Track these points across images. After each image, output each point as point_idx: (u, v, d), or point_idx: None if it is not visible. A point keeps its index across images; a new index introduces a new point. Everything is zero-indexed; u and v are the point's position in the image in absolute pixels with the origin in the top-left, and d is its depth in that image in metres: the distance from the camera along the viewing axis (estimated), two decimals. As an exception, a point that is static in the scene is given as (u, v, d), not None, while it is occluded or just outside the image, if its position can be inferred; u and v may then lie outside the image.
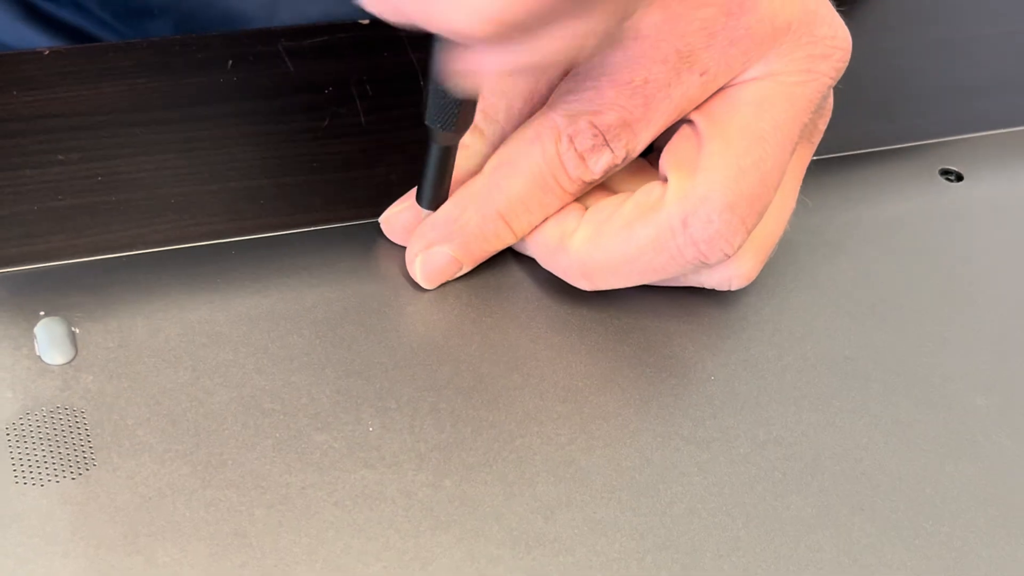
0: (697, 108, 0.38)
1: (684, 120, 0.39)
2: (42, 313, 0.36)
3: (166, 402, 0.35)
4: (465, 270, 0.40)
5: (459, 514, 0.34)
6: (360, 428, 0.36)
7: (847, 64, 0.39)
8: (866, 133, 0.48)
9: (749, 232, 0.37)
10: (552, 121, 0.38)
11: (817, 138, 0.41)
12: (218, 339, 0.37)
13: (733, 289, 0.40)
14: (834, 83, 0.39)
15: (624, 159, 0.38)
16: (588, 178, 0.38)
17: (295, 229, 0.41)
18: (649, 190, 0.38)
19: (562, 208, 0.39)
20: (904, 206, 0.45)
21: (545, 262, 0.40)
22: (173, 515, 0.33)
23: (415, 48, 0.47)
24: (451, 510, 0.34)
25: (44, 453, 0.34)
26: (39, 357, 0.36)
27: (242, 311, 0.38)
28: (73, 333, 0.36)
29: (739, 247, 0.37)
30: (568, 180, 0.38)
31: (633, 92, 0.37)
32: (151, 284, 0.38)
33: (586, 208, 0.39)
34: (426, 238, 0.39)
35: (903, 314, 0.41)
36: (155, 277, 0.38)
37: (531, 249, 0.40)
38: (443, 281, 0.40)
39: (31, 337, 0.36)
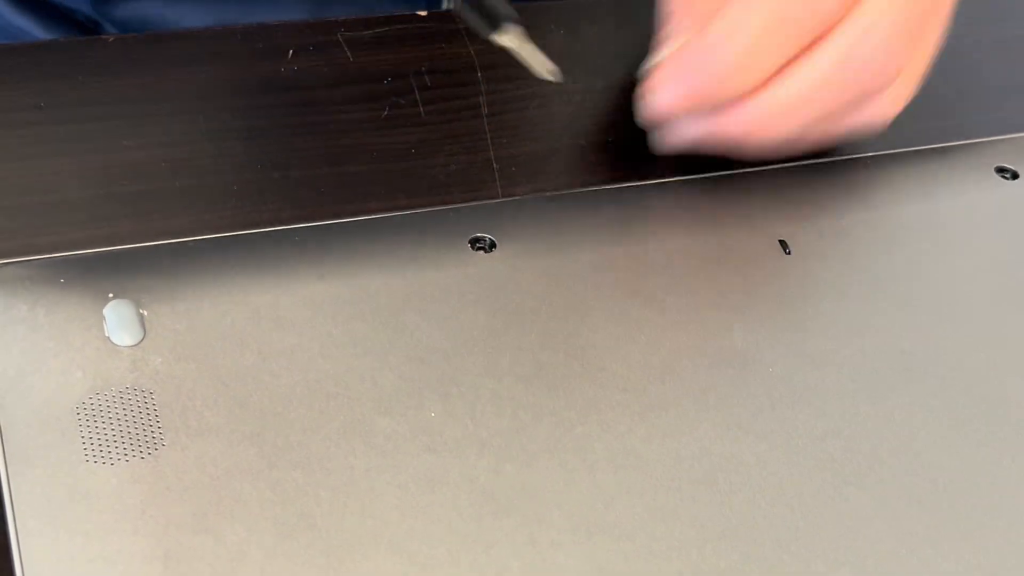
0: None
1: None
2: (111, 295, 0.37)
3: (233, 384, 0.36)
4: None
5: (520, 499, 0.35)
6: (422, 413, 0.36)
7: None
8: (923, 130, 0.48)
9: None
10: None
11: None
12: (283, 323, 0.37)
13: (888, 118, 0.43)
14: None
15: None
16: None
17: (356, 217, 0.41)
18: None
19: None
20: (960, 202, 0.45)
21: (735, 119, 0.42)
22: (240, 496, 0.34)
23: (472, 40, 0.48)
24: (512, 495, 0.35)
25: (114, 433, 0.34)
26: (108, 338, 0.36)
27: (306, 296, 0.38)
28: (141, 315, 0.37)
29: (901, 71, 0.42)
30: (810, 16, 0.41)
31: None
32: (216, 269, 0.39)
33: None
34: (665, 77, 0.42)
35: (959, 310, 0.42)
36: (220, 262, 0.39)
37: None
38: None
39: (100, 319, 0.36)
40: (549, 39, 0.48)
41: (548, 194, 0.43)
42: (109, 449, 0.34)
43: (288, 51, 0.46)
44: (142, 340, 0.36)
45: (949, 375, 0.40)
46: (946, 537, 0.36)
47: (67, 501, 0.33)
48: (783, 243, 0.42)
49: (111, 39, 0.46)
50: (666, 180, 0.44)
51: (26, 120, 0.42)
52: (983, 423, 0.38)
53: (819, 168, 0.45)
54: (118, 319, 0.36)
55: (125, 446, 0.34)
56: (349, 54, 0.47)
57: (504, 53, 0.42)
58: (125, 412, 0.35)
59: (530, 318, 0.39)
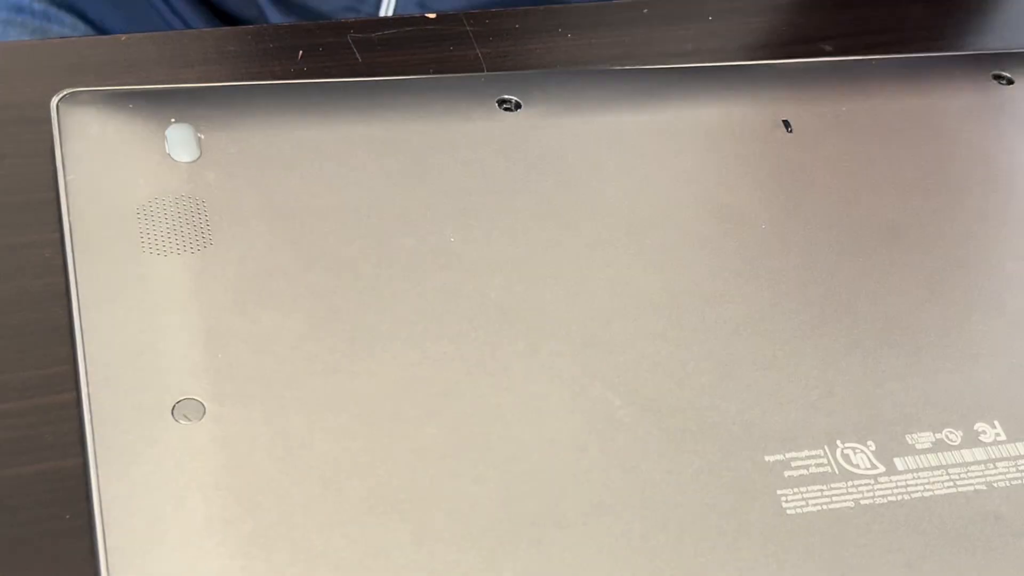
0: None
1: None
2: (173, 120, 0.41)
3: (276, 200, 0.40)
4: None
5: (526, 314, 0.39)
6: (443, 238, 0.40)
7: None
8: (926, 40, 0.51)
9: None
10: None
11: None
12: (324, 155, 0.42)
13: None
14: None
15: None
16: None
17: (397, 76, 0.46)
18: None
19: None
20: (955, 101, 0.49)
21: None
22: (277, 290, 0.38)
23: (480, 43, 0.50)
24: (519, 310, 0.39)
25: (169, 231, 0.39)
26: (169, 155, 0.41)
27: (346, 134, 0.43)
28: (199, 138, 0.41)
29: None
30: None
31: None
32: (269, 107, 0.43)
33: None
34: None
35: (944, 191, 0.45)
36: (273, 102, 0.43)
37: None
38: None
39: (162, 139, 0.41)
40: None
41: (574, 69, 0.47)
42: (164, 244, 0.38)
43: (298, 52, 0.48)
44: (198, 158, 0.41)
45: (929, 242, 0.43)
46: (913, 372, 0.39)
47: (124, 284, 0.37)
48: (786, 123, 0.46)
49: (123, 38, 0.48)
50: (684, 66, 0.48)
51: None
52: (956, 284, 0.42)
53: (826, 65, 0.49)
54: (178, 139, 0.41)
55: (178, 243, 0.38)
56: (358, 55, 0.49)
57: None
58: (180, 215, 0.39)
59: (547, 168, 0.43)
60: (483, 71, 0.49)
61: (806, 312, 0.40)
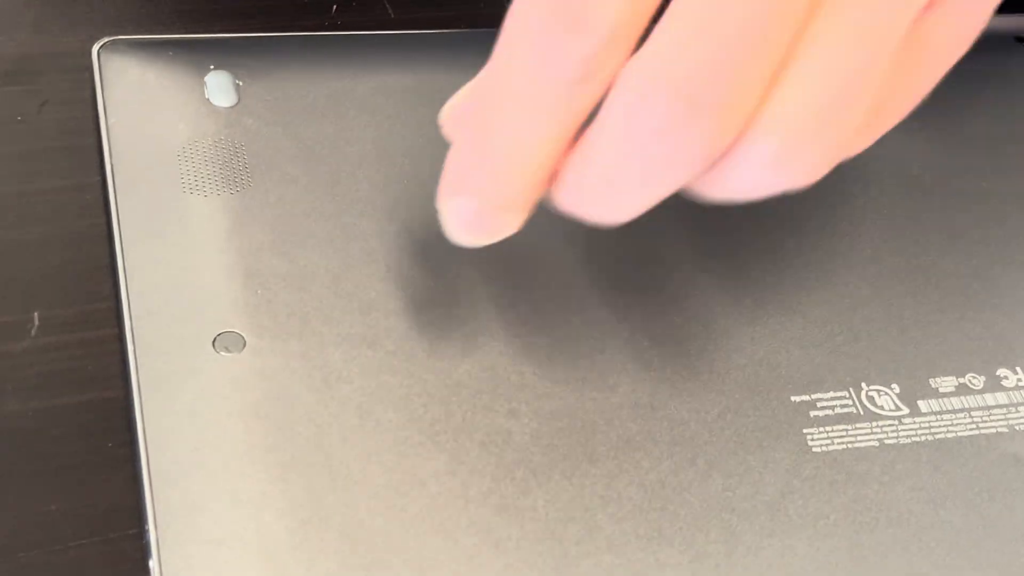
0: None
1: None
2: (212, 67, 0.42)
3: (312, 146, 0.41)
4: (511, 220, 0.33)
5: (559, 257, 0.40)
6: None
7: None
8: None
9: (725, 127, 0.28)
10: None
11: None
12: (359, 104, 0.43)
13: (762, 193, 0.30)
14: None
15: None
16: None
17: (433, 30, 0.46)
18: None
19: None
20: (980, 62, 0.49)
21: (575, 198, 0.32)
22: (313, 231, 0.39)
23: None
24: (552, 254, 0.40)
25: (208, 173, 0.40)
26: (208, 100, 0.41)
27: (381, 84, 0.43)
28: (238, 85, 0.42)
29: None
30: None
31: None
32: (307, 56, 0.44)
33: None
34: (448, 187, 0.33)
35: (963, 138, 0.46)
36: (311, 52, 0.44)
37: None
38: (488, 238, 0.33)
39: (202, 84, 0.42)
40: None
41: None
42: (204, 184, 0.39)
43: (332, 6, 0.49)
44: (237, 104, 0.42)
45: (952, 194, 0.44)
46: (936, 320, 0.40)
47: (165, 223, 0.38)
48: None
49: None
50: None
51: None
52: (979, 232, 0.43)
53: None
54: (217, 85, 0.42)
55: (217, 184, 0.39)
56: (391, 10, 0.50)
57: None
58: (219, 158, 0.40)
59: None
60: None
61: (831, 261, 0.41)
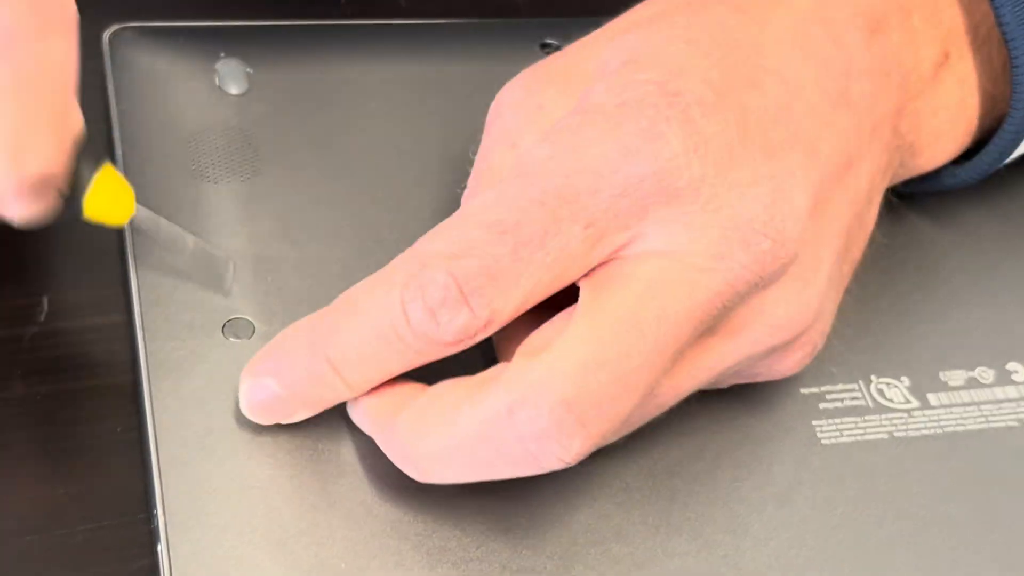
0: (587, 276, 0.31)
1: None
2: (222, 54, 0.42)
3: (322, 134, 0.41)
4: (302, 415, 0.33)
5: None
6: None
7: (785, 261, 0.31)
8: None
9: (596, 442, 0.30)
10: (406, 259, 0.31)
11: (848, 270, 0.35)
12: (369, 93, 0.43)
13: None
14: (759, 280, 0.31)
15: (487, 324, 0.30)
16: (438, 338, 0.30)
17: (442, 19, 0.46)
18: (488, 372, 0.31)
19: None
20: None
21: (375, 437, 0.33)
22: (320, 219, 0.39)
23: None
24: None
25: (219, 159, 0.39)
26: (219, 87, 0.41)
27: (391, 74, 0.43)
28: (248, 72, 0.42)
29: (580, 455, 0.30)
30: (412, 337, 0.31)
31: (502, 235, 0.30)
32: (316, 45, 0.44)
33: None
34: (255, 366, 0.33)
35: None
36: (320, 41, 0.44)
37: (357, 418, 0.33)
38: (277, 421, 0.33)
39: (212, 72, 0.42)
40: None
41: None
42: (214, 171, 0.39)
43: None
44: (247, 92, 0.42)
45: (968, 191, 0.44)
46: (946, 314, 0.40)
47: (175, 209, 0.38)
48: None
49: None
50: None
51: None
52: (988, 228, 0.43)
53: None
54: (228, 72, 0.42)
55: (228, 170, 0.39)
56: (401, 0, 0.49)
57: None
58: (229, 145, 0.40)
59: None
60: (524, 16, 0.49)
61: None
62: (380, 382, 0.32)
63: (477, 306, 0.30)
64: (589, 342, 0.30)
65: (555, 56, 0.37)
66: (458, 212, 0.32)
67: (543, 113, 0.34)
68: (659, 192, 0.30)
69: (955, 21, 0.37)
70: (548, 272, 0.30)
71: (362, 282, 0.32)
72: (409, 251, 0.31)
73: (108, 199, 0.33)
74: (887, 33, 0.35)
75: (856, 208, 0.34)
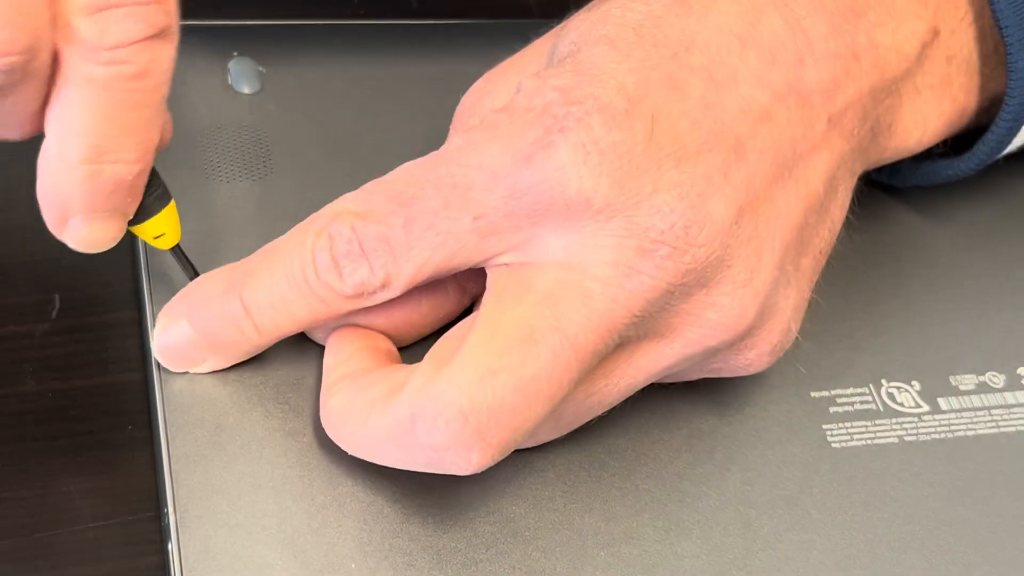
0: (491, 281, 0.32)
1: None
2: (235, 53, 0.42)
3: (334, 133, 0.41)
4: (212, 364, 0.34)
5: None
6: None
7: (693, 264, 0.31)
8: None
9: (499, 451, 0.30)
10: (323, 213, 0.33)
11: (811, 263, 0.35)
12: (381, 92, 0.43)
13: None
14: (671, 287, 0.31)
15: (383, 286, 0.32)
16: (339, 288, 0.32)
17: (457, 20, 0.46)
18: (408, 373, 0.32)
19: (321, 321, 0.34)
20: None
21: (320, 411, 0.34)
22: (334, 219, 0.39)
23: None
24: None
25: (231, 159, 0.40)
26: (231, 87, 0.41)
27: (403, 73, 0.43)
28: (260, 72, 0.42)
29: (481, 465, 0.30)
30: (318, 282, 0.32)
31: (399, 207, 0.32)
32: (329, 45, 0.44)
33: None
34: (171, 308, 0.34)
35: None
36: (332, 41, 0.44)
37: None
38: (189, 368, 0.34)
39: (225, 71, 0.42)
40: None
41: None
42: (226, 171, 0.39)
43: None
44: (259, 91, 0.42)
45: (969, 189, 0.44)
46: (956, 318, 0.40)
47: (188, 207, 0.38)
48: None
49: None
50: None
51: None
52: (997, 233, 0.43)
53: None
54: (240, 71, 0.42)
55: (240, 170, 0.39)
56: (413, 0, 0.49)
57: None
58: (241, 144, 0.40)
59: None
60: (536, 17, 0.49)
61: (852, 257, 0.41)
62: (290, 332, 0.33)
63: (375, 265, 0.32)
64: (484, 353, 0.30)
65: (511, 57, 0.38)
66: (379, 178, 0.33)
67: (483, 108, 0.36)
68: (549, 201, 0.31)
69: None
70: (437, 251, 0.32)
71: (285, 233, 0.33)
72: (328, 205, 0.33)
73: (163, 228, 0.33)
74: (863, 13, 0.35)
75: (809, 201, 0.33)
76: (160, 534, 0.33)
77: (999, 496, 0.36)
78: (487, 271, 0.32)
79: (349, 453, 0.33)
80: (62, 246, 0.35)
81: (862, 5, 0.35)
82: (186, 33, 0.42)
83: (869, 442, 0.36)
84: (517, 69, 0.37)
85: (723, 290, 0.32)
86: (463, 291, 0.35)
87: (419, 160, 0.33)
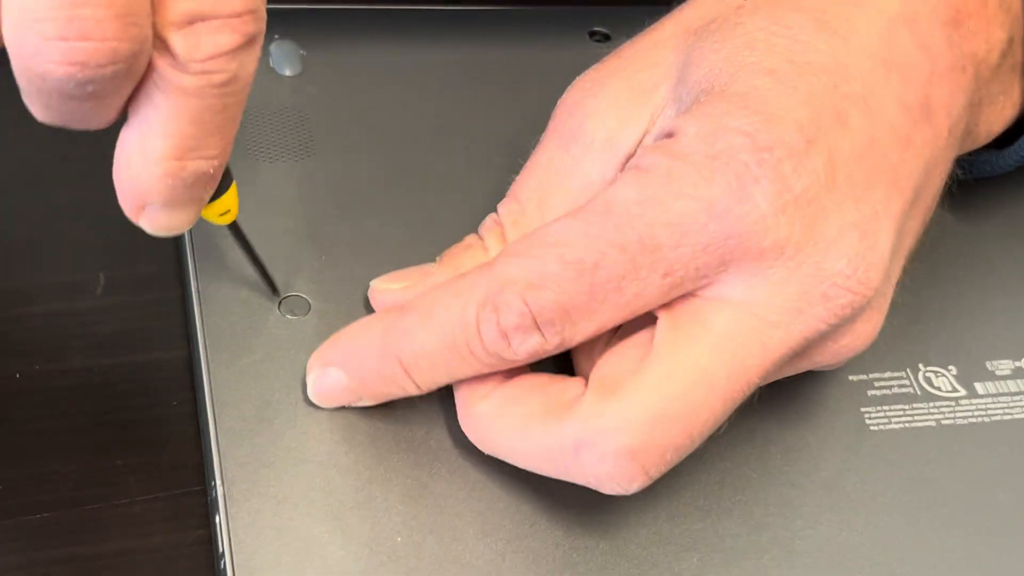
0: (666, 307, 0.32)
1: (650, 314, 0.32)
2: (276, 36, 0.43)
3: (375, 116, 0.41)
4: (366, 403, 0.34)
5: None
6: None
7: (862, 303, 0.31)
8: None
9: (651, 478, 0.31)
10: (485, 279, 0.32)
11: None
12: (420, 77, 0.43)
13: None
14: (829, 328, 0.31)
15: (558, 347, 0.32)
16: (508, 357, 0.32)
17: (489, 7, 0.47)
18: (565, 389, 0.32)
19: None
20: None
21: (458, 409, 0.34)
22: (373, 199, 0.39)
23: None
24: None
25: (274, 140, 0.40)
26: (272, 69, 0.42)
27: (442, 59, 0.44)
28: (302, 55, 0.42)
29: (638, 489, 0.31)
30: (483, 352, 0.32)
31: (579, 274, 0.31)
32: (369, 30, 0.44)
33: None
34: (325, 355, 0.34)
35: None
36: (372, 25, 0.44)
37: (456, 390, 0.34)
38: (340, 405, 0.34)
39: (267, 54, 0.42)
40: None
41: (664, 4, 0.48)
42: (269, 151, 0.40)
43: None
44: (300, 73, 0.42)
45: (1007, 176, 0.44)
46: (993, 305, 0.40)
47: (231, 187, 0.38)
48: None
49: None
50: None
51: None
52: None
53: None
54: (282, 54, 0.42)
55: (283, 151, 0.40)
56: None
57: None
58: (283, 125, 0.40)
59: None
60: (573, 4, 0.49)
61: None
62: (447, 384, 0.33)
63: (549, 334, 0.31)
64: (661, 395, 0.30)
65: (612, 57, 0.37)
66: (539, 235, 0.32)
67: (598, 120, 0.35)
68: (742, 250, 0.30)
69: (1017, 3, 0.37)
70: (622, 311, 0.31)
71: (439, 288, 0.33)
72: (488, 270, 0.32)
73: (228, 206, 0.33)
74: (964, 22, 0.35)
75: (926, 216, 0.34)
76: (206, 508, 0.33)
77: (1036, 480, 0.36)
78: None
79: (487, 454, 0.33)
80: (107, 225, 0.35)
81: (964, 14, 0.34)
82: (228, 16, 0.43)
83: (907, 425, 0.37)
84: (625, 76, 0.36)
85: (865, 317, 0.32)
86: None
87: (585, 217, 0.31)
